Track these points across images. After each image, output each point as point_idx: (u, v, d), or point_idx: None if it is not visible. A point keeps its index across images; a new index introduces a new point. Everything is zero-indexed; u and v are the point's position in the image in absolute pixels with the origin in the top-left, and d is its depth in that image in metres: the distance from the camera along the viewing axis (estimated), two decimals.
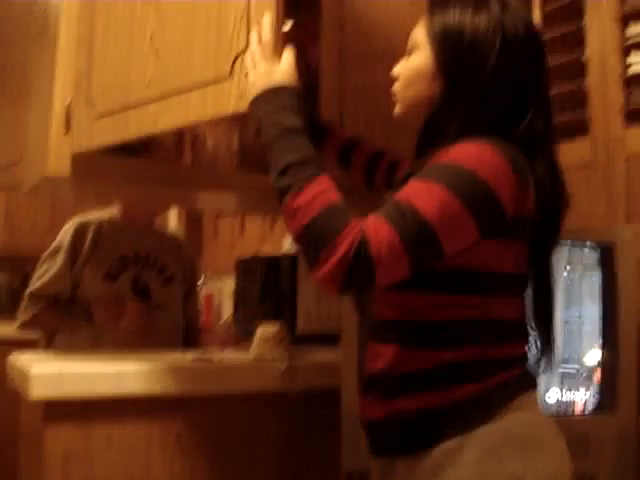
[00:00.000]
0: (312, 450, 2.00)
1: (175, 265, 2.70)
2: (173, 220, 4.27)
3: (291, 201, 1.16)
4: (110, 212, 2.69)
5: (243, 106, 1.36)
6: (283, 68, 1.30)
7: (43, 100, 1.85)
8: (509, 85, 1.27)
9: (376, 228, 1.13)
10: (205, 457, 1.86)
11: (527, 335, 1.33)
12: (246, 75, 1.35)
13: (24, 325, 2.59)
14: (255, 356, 1.97)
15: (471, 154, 1.20)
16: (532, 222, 1.26)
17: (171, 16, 1.56)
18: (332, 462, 1.93)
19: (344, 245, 1.10)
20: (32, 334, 2.83)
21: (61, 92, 1.76)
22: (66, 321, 2.56)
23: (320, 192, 1.16)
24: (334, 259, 1.10)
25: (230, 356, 2.06)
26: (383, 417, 1.29)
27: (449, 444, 1.21)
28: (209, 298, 3.86)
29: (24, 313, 2.58)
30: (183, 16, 1.53)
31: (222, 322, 3.78)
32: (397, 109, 1.39)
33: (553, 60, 2.37)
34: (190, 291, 2.80)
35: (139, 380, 1.77)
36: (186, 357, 2.01)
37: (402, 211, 1.14)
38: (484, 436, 1.20)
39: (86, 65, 1.74)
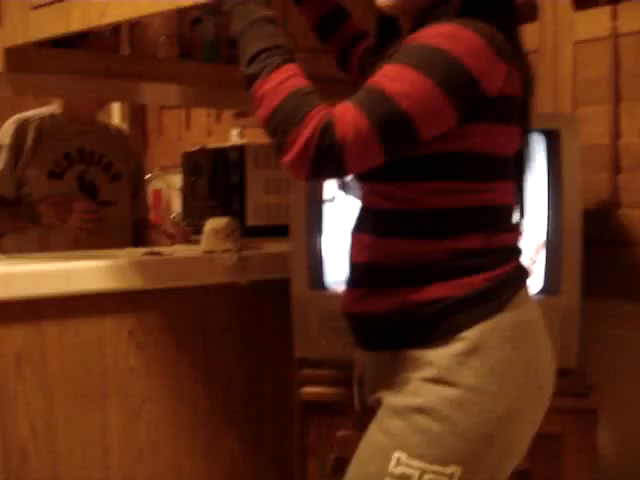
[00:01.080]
0: (265, 339, 2.04)
1: (121, 161, 2.66)
2: (116, 116, 4.17)
3: (258, 88, 1.12)
4: (51, 109, 2.61)
5: None
6: None
7: None
8: None
9: (343, 111, 1.10)
10: (159, 350, 1.88)
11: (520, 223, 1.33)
12: None
13: None
14: (205, 249, 1.97)
15: (445, 34, 1.15)
16: (518, 103, 1.24)
17: None
18: (285, 350, 1.97)
19: (309, 128, 1.08)
20: None
21: None
22: (12, 223, 2.52)
23: (287, 77, 1.12)
24: (299, 143, 1.08)
25: (180, 250, 2.06)
26: (383, 311, 1.26)
27: (465, 334, 1.20)
28: (157, 194, 3.83)
29: None
30: None
31: (172, 217, 3.76)
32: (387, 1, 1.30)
33: None
34: (138, 187, 2.76)
35: (89, 277, 1.76)
36: (136, 252, 2.00)
37: (371, 95, 1.11)
38: (499, 325, 1.21)
39: None
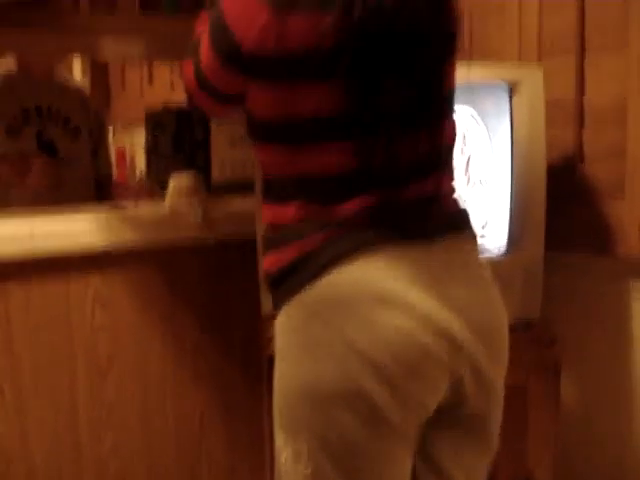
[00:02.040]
0: (232, 296, 2.03)
1: (80, 117, 2.61)
2: (77, 71, 4.09)
3: None
4: (5, 64, 2.54)
5: None
6: None
7: None
8: None
9: (187, 66, 1.25)
10: (125, 310, 1.88)
11: (359, 190, 1.15)
12: None
13: None
14: (170, 207, 1.95)
15: None
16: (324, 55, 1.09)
17: None
18: (252, 308, 1.98)
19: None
20: None
21: None
22: None
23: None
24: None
25: (145, 208, 2.03)
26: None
27: (284, 310, 1.18)
28: (121, 151, 3.78)
29: None
30: None
31: (136, 175, 3.72)
32: None
33: None
34: (99, 144, 2.72)
35: (53, 238, 1.74)
36: (100, 208, 1.97)
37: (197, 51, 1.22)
38: (307, 300, 1.14)
39: None
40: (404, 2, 1.09)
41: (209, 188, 2.08)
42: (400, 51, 1.11)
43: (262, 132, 1.18)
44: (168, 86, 3.65)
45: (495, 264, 1.34)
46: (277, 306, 1.19)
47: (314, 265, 1.14)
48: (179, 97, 3.15)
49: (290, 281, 1.16)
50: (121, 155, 3.77)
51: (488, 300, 1.21)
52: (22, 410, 1.76)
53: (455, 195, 1.25)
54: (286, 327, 1.17)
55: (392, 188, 1.15)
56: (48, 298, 1.77)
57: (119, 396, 1.89)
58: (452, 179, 1.25)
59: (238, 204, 2.09)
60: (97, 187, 2.67)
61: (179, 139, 2.61)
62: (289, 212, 1.17)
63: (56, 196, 2.40)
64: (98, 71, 4.12)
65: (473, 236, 1.24)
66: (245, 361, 2.07)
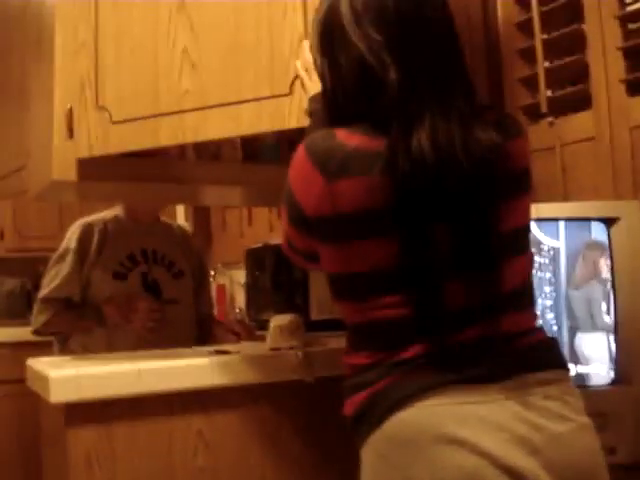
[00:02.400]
0: (331, 435, 2.00)
1: (184, 259, 2.72)
2: (180, 213, 4.28)
3: None
4: (114, 211, 2.70)
5: (304, 122, 1.48)
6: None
7: (44, 105, 1.86)
8: (338, 67, 1.26)
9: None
10: (228, 450, 1.87)
11: (418, 336, 1.20)
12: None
13: (38, 331, 2.62)
14: (271, 347, 1.98)
15: (291, 163, 1.29)
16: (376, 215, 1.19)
17: (208, 33, 1.68)
18: (352, 446, 1.96)
19: None
20: (45, 338, 2.84)
21: (62, 97, 1.77)
22: (79, 323, 2.58)
23: None
24: None
25: (246, 348, 2.07)
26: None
27: (361, 452, 1.25)
28: (221, 289, 3.88)
29: (37, 319, 2.60)
30: (225, 35, 1.65)
31: (236, 312, 3.80)
32: None
33: (552, 33, 2.37)
34: (201, 284, 2.81)
35: (157, 377, 1.78)
36: (203, 351, 2.02)
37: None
38: (375, 443, 1.21)
39: (91, 70, 1.77)
40: (447, 155, 1.16)
41: (307, 326, 2.11)
42: (447, 201, 1.18)
43: (332, 287, 1.30)
44: (267, 227, 3.77)
45: (602, 398, 1.31)
46: (358, 448, 1.26)
47: (380, 409, 1.19)
48: (278, 238, 3.26)
49: (361, 425, 1.23)
50: (221, 292, 3.87)
51: (574, 440, 1.17)
52: None
53: (534, 332, 1.26)
54: (362, 471, 1.24)
55: (448, 332, 1.19)
56: (152, 438, 1.79)
57: None
58: (525, 316, 1.26)
59: (336, 342, 2.10)
60: (200, 326, 2.74)
61: (278, 277, 2.68)
62: (361, 359, 1.26)
63: (159, 336, 2.47)
64: (200, 213, 4.31)
65: (557, 372, 1.23)
66: None
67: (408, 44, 1.21)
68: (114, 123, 1.74)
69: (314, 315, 2.52)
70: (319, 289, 2.54)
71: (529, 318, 1.27)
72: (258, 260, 2.84)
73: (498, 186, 1.21)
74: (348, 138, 1.20)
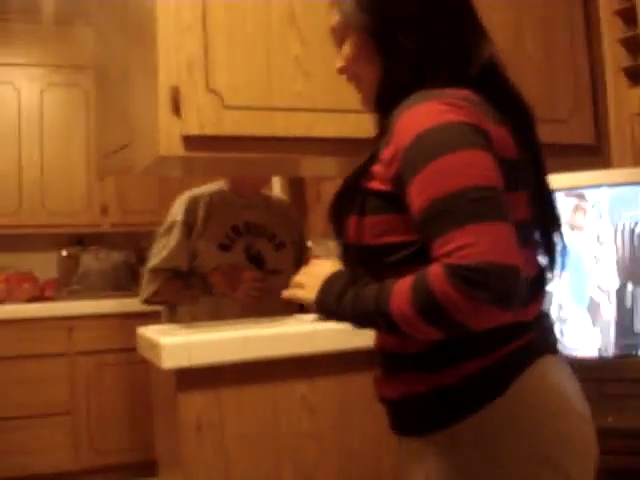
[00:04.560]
0: None
1: (284, 230, 2.76)
2: (277, 185, 4.33)
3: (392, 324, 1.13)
4: (218, 185, 2.77)
5: None
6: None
7: (148, 84, 1.92)
8: (441, 23, 1.23)
9: (446, 247, 1.10)
10: (331, 415, 1.92)
11: (536, 297, 1.22)
12: None
13: (147, 300, 2.72)
14: None
15: (419, 114, 1.14)
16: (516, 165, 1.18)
17: (317, 45, 1.89)
18: None
19: (447, 288, 1.05)
20: (154, 307, 2.95)
21: (166, 76, 1.83)
22: (186, 293, 2.66)
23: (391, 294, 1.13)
24: (460, 304, 1.04)
25: None
26: (398, 396, 1.27)
27: (457, 427, 1.17)
28: (318, 259, 3.91)
29: (146, 288, 2.69)
30: (332, 52, 1.67)
31: None
32: (362, 100, 1.36)
33: (616, 5, 2.29)
34: (301, 254, 2.85)
35: (263, 344, 1.84)
36: (306, 319, 2.07)
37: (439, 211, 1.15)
38: (487, 418, 1.16)
39: (200, 53, 1.85)
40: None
41: None
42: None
43: None
44: None
45: None
46: (447, 421, 1.18)
47: (504, 375, 1.16)
48: None
49: (473, 393, 1.17)
50: None
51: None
52: None
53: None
54: (468, 440, 1.17)
55: (543, 297, 1.25)
56: (258, 403, 1.86)
57: None
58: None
59: None
60: None
61: None
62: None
63: (263, 305, 2.53)
64: (295, 185, 4.35)
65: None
66: None
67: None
68: (226, 107, 1.86)
69: None
70: None
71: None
72: None
73: None
74: (461, 92, 1.17)
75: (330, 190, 4.27)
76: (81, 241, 4.68)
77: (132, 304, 4.10)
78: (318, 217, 4.28)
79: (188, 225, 2.64)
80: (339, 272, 1.26)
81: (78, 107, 4.51)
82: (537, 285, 1.23)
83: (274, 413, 1.87)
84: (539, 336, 1.21)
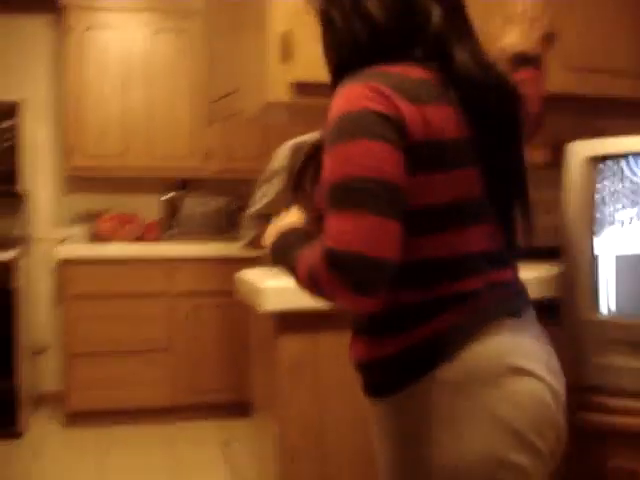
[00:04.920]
0: None
1: None
2: None
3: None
4: (319, 134, 2.77)
5: None
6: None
7: (257, 32, 1.94)
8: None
9: (328, 232, 1.19)
10: None
11: (486, 266, 1.25)
12: None
13: (248, 244, 2.76)
14: None
15: (341, 97, 1.18)
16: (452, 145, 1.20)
17: None
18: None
19: (322, 272, 1.16)
20: (254, 252, 3.00)
21: (277, 24, 1.84)
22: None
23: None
24: (329, 286, 1.14)
25: None
26: (357, 359, 1.33)
27: (414, 387, 1.22)
28: None
29: (246, 234, 2.74)
30: None
31: None
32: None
33: None
34: None
35: None
36: None
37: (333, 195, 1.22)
38: (447, 375, 1.20)
39: None
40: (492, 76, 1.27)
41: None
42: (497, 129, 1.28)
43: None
44: None
45: None
46: (390, 387, 1.25)
47: (450, 342, 1.21)
48: None
49: (418, 360, 1.22)
50: None
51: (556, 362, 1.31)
52: (324, 453, 1.87)
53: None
54: (416, 407, 1.22)
55: (501, 269, 1.28)
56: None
57: None
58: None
59: (538, 269, 2.08)
60: None
61: None
62: (411, 296, 1.24)
63: None
64: None
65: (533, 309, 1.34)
66: None
67: None
68: None
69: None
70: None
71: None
72: None
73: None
74: (404, 70, 1.20)
75: None
76: (184, 186, 4.79)
77: (231, 249, 4.20)
78: None
79: (291, 172, 2.66)
80: (294, 228, 1.36)
81: (185, 53, 4.57)
82: (495, 257, 1.26)
83: None
84: (491, 303, 1.24)
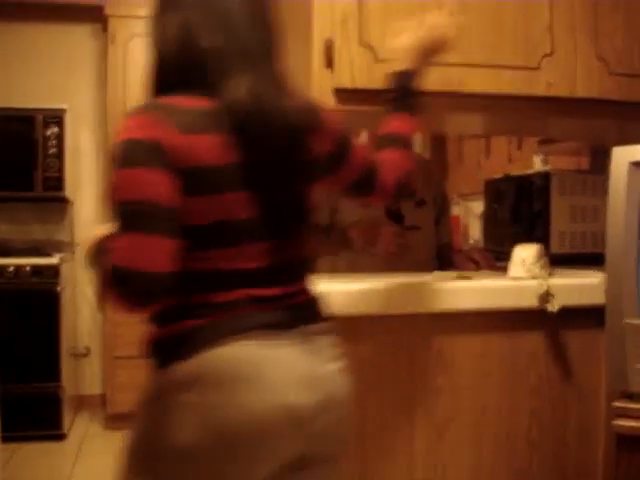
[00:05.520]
0: (571, 367, 2.00)
1: (425, 188, 2.76)
2: (418, 145, 4.32)
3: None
4: (358, 142, 2.79)
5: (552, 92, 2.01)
6: None
7: (301, 37, 1.96)
8: (169, 35, 1.38)
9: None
10: (466, 372, 1.93)
11: (247, 282, 1.37)
12: None
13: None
14: (513, 275, 1.99)
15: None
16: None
17: (474, 2, 1.98)
18: (592, 380, 1.97)
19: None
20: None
21: (321, 29, 1.86)
22: (327, 247, 2.72)
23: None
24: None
25: (488, 276, 2.09)
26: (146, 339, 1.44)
27: (161, 373, 1.36)
28: (455, 220, 3.91)
29: None
30: (488, 9, 1.98)
31: (470, 242, 3.82)
32: None
33: None
34: (442, 212, 2.84)
35: (404, 297, 1.87)
36: (446, 275, 2.08)
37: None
38: (180, 371, 1.32)
39: (354, 7, 1.88)
40: (266, 105, 1.36)
41: (548, 259, 2.09)
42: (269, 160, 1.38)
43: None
44: (505, 158, 3.71)
45: None
46: (154, 368, 1.39)
47: (197, 341, 1.33)
48: (516, 169, 3.22)
49: (165, 352, 1.37)
50: (455, 224, 3.90)
51: (338, 377, 1.43)
52: (364, 454, 1.88)
53: (308, 291, 1.48)
54: (154, 389, 1.38)
55: (267, 285, 1.38)
56: (394, 354, 1.89)
57: (454, 457, 1.94)
58: (307, 282, 1.48)
59: (580, 275, 2.07)
60: (439, 253, 2.79)
61: (518, 208, 2.65)
62: (183, 298, 1.37)
63: (401, 260, 2.55)
64: (437, 144, 4.32)
65: (326, 324, 1.48)
66: (581, 434, 2.01)
67: (224, 17, 1.38)
68: (378, 61, 1.89)
69: (554, 248, 2.48)
70: (561, 221, 2.50)
71: (306, 281, 1.48)
72: (497, 191, 2.82)
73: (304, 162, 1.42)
74: (182, 101, 1.34)
75: (472, 151, 4.23)
76: None
77: None
78: (460, 177, 4.25)
79: None
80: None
81: None
82: (261, 274, 1.38)
83: (409, 366, 1.90)
84: (243, 315, 1.36)
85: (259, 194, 1.36)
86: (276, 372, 1.33)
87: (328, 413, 1.39)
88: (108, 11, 4.50)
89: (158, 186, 1.27)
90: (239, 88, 1.34)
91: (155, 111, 1.32)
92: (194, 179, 1.30)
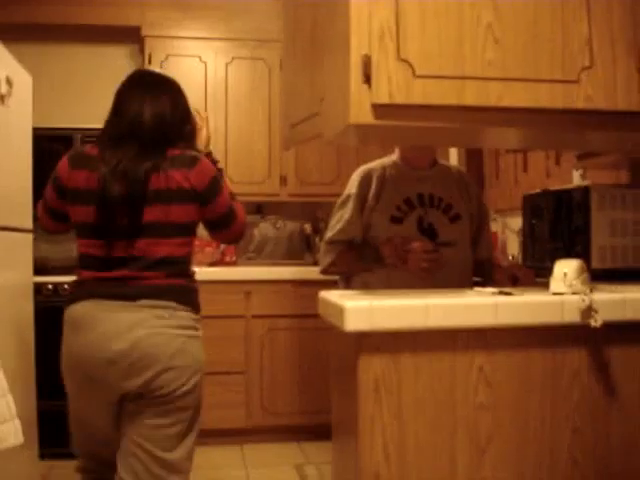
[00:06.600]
0: (615, 383, 1.97)
1: (462, 202, 2.75)
2: (453, 160, 4.30)
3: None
4: (392, 158, 2.79)
5: (589, 105, 1.98)
6: None
7: (339, 53, 1.96)
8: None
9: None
10: (508, 389, 1.91)
11: (93, 266, 2.25)
12: None
13: (325, 271, 2.80)
14: (554, 291, 1.97)
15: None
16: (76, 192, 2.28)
17: (510, 15, 1.95)
18: (635, 398, 1.94)
19: None
20: (327, 276, 3.03)
21: (359, 45, 1.86)
22: (359, 264, 2.72)
23: None
24: None
25: (529, 291, 2.07)
26: None
27: None
28: (493, 236, 3.87)
29: (323, 259, 2.78)
30: (525, 20, 1.96)
31: (509, 259, 3.78)
32: None
33: None
34: (480, 227, 2.82)
35: (444, 313, 1.86)
36: (486, 291, 2.06)
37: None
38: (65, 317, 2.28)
39: (391, 22, 1.87)
40: (116, 175, 2.24)
41: (589, 274, 2.06)
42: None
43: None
44: (543, 173, 3.67)
45: None
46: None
47: (67, 301, 2.28)
48: (554, 184, 3.18)
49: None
50: (493, 239, 3.87)
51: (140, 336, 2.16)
52: (405, 476, 1.87)
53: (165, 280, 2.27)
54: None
55: (104, 269, 2.23)
56: (435, 371, 1.88)
57: (496, 475, 1.91)
58: (163, 272, 2.26)
59: (622, 290, 2.04)
60: (478, 269, 2.77)
61: (557, 224, 2.63)
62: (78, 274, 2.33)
63: (436, 277, 2.53)
64: (473, 159, 4.29)
65: (168, 303, 2.26)
66: (626, 451, 1.98)
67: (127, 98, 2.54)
68: (417, 76, 1.88)
69: (595, 263, 2.44)
70: (601, 236, 2.47)
71: (160, 274, 2.25)
72: (536, 207, 2.80)
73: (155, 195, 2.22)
74: (90, 150, 2.33)
75: (509, 166, 4.20)
76: (260, 209, 4.86)
77: (305, 272, 4.24)
78: (497, 192, 4.21)
79: (361, 198, 2.69)
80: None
81: (261, 80, 4.67)
82: (100, 261, 2.23)
83: (451, 382, 1.89)
84: (89, 287, 2.23)
85: (101, 209, 2.19)
86: (102, 324, 2.15)
87: (130, 357, 2.13)
88: (145, 32, 4.56)
89: (49, 192, 2.37)
90: (106, 154, 2.27)
91: (69, 156, 2.32)
92: (70, 195, 2.26)
